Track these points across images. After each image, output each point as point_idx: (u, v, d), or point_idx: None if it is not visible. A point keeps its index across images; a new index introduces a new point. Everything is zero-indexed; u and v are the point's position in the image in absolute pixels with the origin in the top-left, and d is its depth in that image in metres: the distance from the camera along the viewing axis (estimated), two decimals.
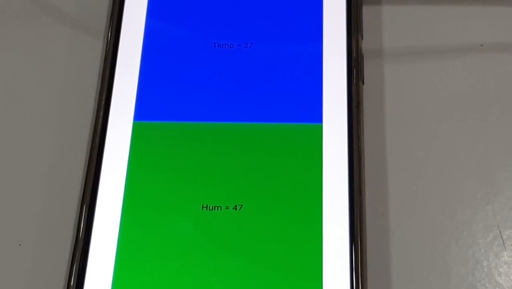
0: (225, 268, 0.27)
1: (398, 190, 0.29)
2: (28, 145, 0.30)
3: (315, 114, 0.29)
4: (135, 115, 0.29)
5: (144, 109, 0.30)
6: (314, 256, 0.27)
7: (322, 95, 0.30)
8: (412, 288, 0.28)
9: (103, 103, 0.30)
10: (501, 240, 0.28)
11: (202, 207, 0.28)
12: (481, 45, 0.32)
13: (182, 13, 0.32)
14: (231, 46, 0.31)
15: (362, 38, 0.31)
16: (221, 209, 0.28)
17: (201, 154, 0.29)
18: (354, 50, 0.30)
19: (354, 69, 0.30)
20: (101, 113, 0.29)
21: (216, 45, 0.31)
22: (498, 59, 0.32)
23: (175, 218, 0.27)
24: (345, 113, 0.29)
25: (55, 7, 0.33)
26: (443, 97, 0.31)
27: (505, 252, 0.28)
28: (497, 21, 0.32)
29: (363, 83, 0.30)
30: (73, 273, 0.27)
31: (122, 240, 0.27)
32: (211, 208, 0.28)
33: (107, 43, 0.31)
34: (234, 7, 0.32)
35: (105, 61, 0.30)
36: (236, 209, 0.28)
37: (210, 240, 0.27)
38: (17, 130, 0.30)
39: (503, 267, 0.28)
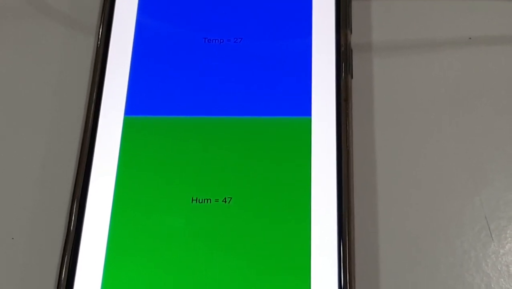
0: (214, 260, 0.27)
1: (387, 183, 0.29)
2: (21, 140, 0.30)
3: (304, 108, 0.30)
4: (126, 110, 0.30)
5: (135, 104, 0.30)
6: (302, 249, 0.27)
7: (311, 88, 0.30)
8: (401, 279, 0.28)
9: (94, 98, 0.30)
10: (489, 230, 0.29)
11: (192, 200, 0.28)
12: (470, 38, 0.32)
13: (172, 9, 0.32)
14: (221, 41, 0.31)
15: (351, 32, 0.31)
16: (210, 202, 0.28)
17: (191, 148, 0.29)
18: (343, 44, 0.31)
19: (343, 63, 0.30)
20: (93, 108, 0.30)
21: (206, 40, 0.31)
22: (487, 52, 0.32)
23: (165, 211, 0.28)
24: (333, 107, 0.30)
25: (48, 5, 0.33)
26: (432, 90, 0.31)
27: (493, 243, 0.28)
28: (485, 14, 0.33)
29: (352, 77, 0.30)
30: (64, 265, 0.27)
31: (112, 233, 0.27)
32: (200, 201, 0.28)
33: (98, 38, 0.31)
34: (224, 3, 0.32)
35: (96, 57, 0.31)
36: (225, 202, 0.28)
37: (200, 232, 0.27)
38: (9, 125, 0.31)
39: (490, 257, 0.28)
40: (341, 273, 0.27)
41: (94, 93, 0.30)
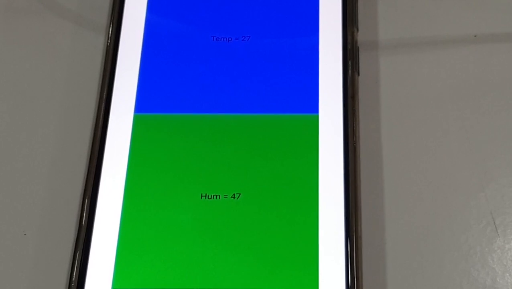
0: (223, 255, 0.27)
1: (393, 179, 0.30)
2: (32, 137, 0.31)
3: (311, 105, 0.30)
4: (135, 108, 0.30)
5: (145, 102, 0.30)
6: (310, 244, 0.27)
7: (318, 86, 0.30)
8: (407, 274, 0.28)
9: (104, 96, 0.30)
10: (494, 226, 0.29)
11: (201, 196, 0.28)
12: (475, 36, 0.33)
13: (181, 7, 0.32)
14: (229, 39, 0.31)
15: (357, 30, 0.32)
16: (219, 198, 0.28)
17: (201, 145, 0.29)
18: (350, 42, 0.31)
19: (350, 61, 0.31)
20: (103, 106, 0.30)
21: (215, 38, 0.31)
22: (492, 49, 0.32)
23: (174, 207, 0.28)
24: (340, 104, 0.30)
25: (58, 3, 0.34)
26: (437, 87, 0.32)
27: (498, 238, 0.29)
28: (490, 12, 0.33)
29: (359, 74, 0.31)
30: (76, 260, 0.27)
31: (123, 228, 0.28)
32: (210, 197, 0.28)
33: (108, 37, 0.32)
34: (232, 1, 0.32)
35: (106, 55, 0.31)
36: (234, 198, 0.28)
37: (209, 228, 0.28)
38: (21, 123, 0.31)
39: (496, 252, 0.28)
40: (349, 268, 0.27)
41: (105, 91, 0.30)
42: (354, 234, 0.28)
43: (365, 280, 0.27)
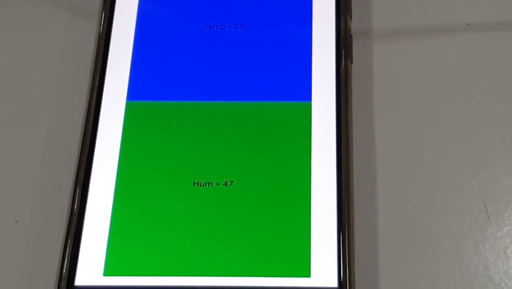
0: (215, 242, 0.27)
1: (386, 167, 0.30)
2: (24, 125, 0.31)
3: (304, 93, 0.30)
4: (128, 95, 0.30)
5: (137, 89, 0.30)
6: (302, 232, 0.27)
7: (311, 74, 0.30)
8: (399, 262, 0.28)
9: (97, 83, 0.30)
10: (486, 214, 0.29)
11: (194, 183, 0.28)
12: (468, 24, 0.33)
13: None
14: (222, 27, 0.31)
15: (351, 19, 0.32)
16: (212, 186, 0.28)
17: (193, 132, 0.29)
18: (343, 30, 0.31)
19: (343, 49, 0.31)
20: (95, 93, 0.30)
21: (208, 26, 0.31)
22: (485, 37, 0.32)
23: (167, 194, 0.28)
24: (333, 92, 0.30)
25: None
26: (431, 75, 0.31)
27: (490, 226, 0.29)
28: (483, 0, 0.33)
29: (352, 63, 0.31)
30: (67, 248, 0.27)
31: (115, 216, 0.28)
32: (202, 184, 0.28)
33: (101, 24, 0.31)
34: None
35: (99, 42, 0.31)
36: (226, 185, 0.28)
37: (201, 215, 0.28)
38: (13, 111, 0.31)
39: (488, 239, 0.28)
40: (341, 256, 0.27)
41: (97, 79, 0.30)
42: (346, 222, 0.28)
43: (357, 268, 0.27)
